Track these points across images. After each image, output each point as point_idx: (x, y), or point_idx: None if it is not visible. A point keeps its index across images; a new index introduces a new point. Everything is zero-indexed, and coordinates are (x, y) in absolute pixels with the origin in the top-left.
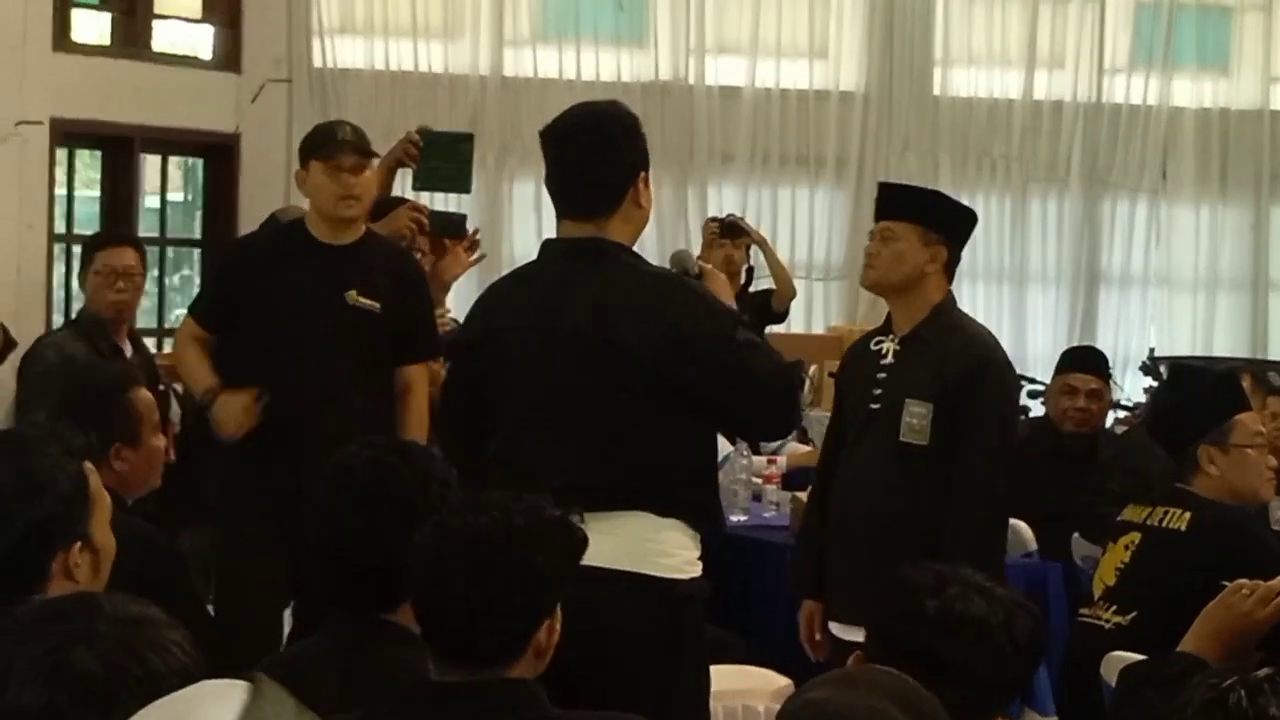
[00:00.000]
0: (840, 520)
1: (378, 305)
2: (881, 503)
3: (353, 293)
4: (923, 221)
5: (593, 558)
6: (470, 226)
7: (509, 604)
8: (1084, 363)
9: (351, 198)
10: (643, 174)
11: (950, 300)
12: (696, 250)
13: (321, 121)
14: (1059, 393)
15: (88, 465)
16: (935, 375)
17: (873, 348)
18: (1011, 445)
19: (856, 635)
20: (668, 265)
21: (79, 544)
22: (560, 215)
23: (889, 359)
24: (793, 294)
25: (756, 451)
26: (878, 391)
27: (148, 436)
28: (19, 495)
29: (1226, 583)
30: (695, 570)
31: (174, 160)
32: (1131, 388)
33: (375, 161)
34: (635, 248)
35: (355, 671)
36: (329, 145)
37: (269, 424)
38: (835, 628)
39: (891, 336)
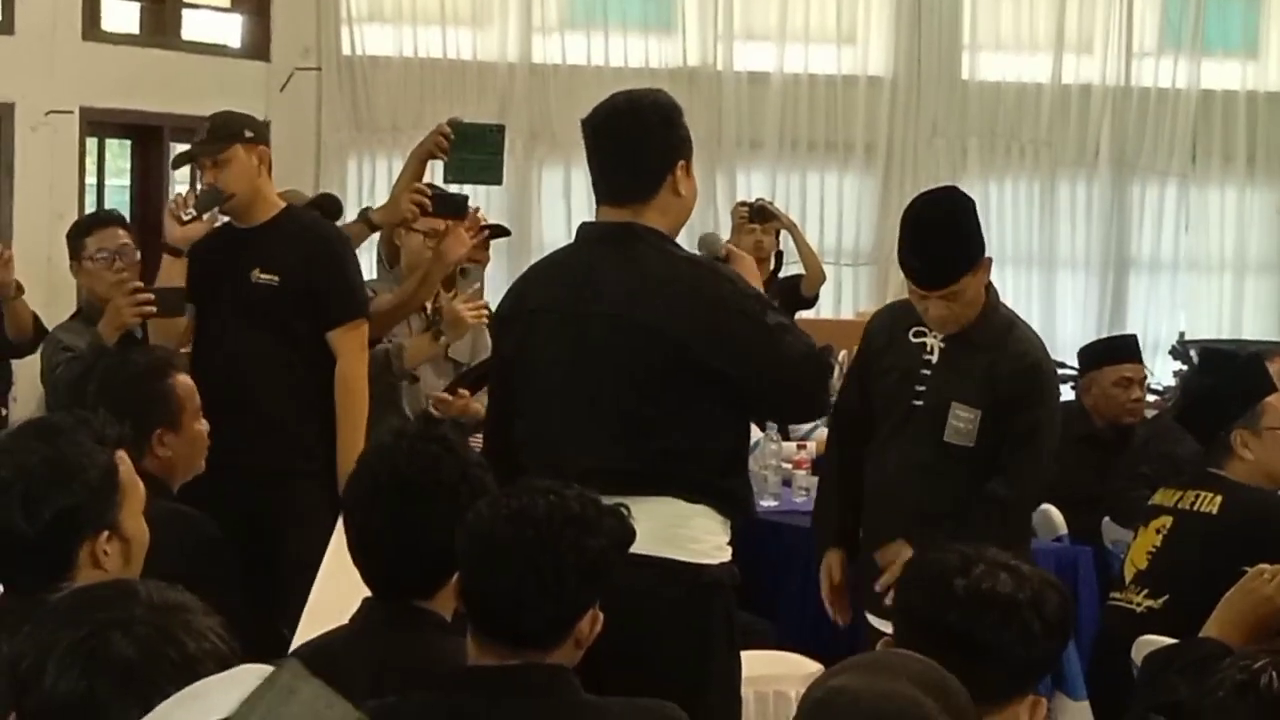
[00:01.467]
0: (878, 513)
1: (276, 278)
2: (924, 498)
3: (256, 270)
4: (973, 262)
5: None
6: (500, 215)
7: (560, 585)
8: (1132, 353)
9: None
10: (682, 163)
11: (995, 296)
12: (726, 235)
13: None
14: (1112, 386)
15: (120, 454)
16: (986, 380)
17: (913, 339)
18: (1053, 453)
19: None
20: (695, 249)
21: (107, 533)
22: (599, 201)
23: (933, 356)
24: (822, 279)
25: (786, 437)
26: (921, 388)
27: (189, 421)
28: (47, 483)
29: (1247, 568)
30: (725, 555)
31: None
32: (1162, 372)
33: (235, 147)
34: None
35: (388, 658)
36: (194, 150)
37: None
38: (873, 619)
39: (933, 332)
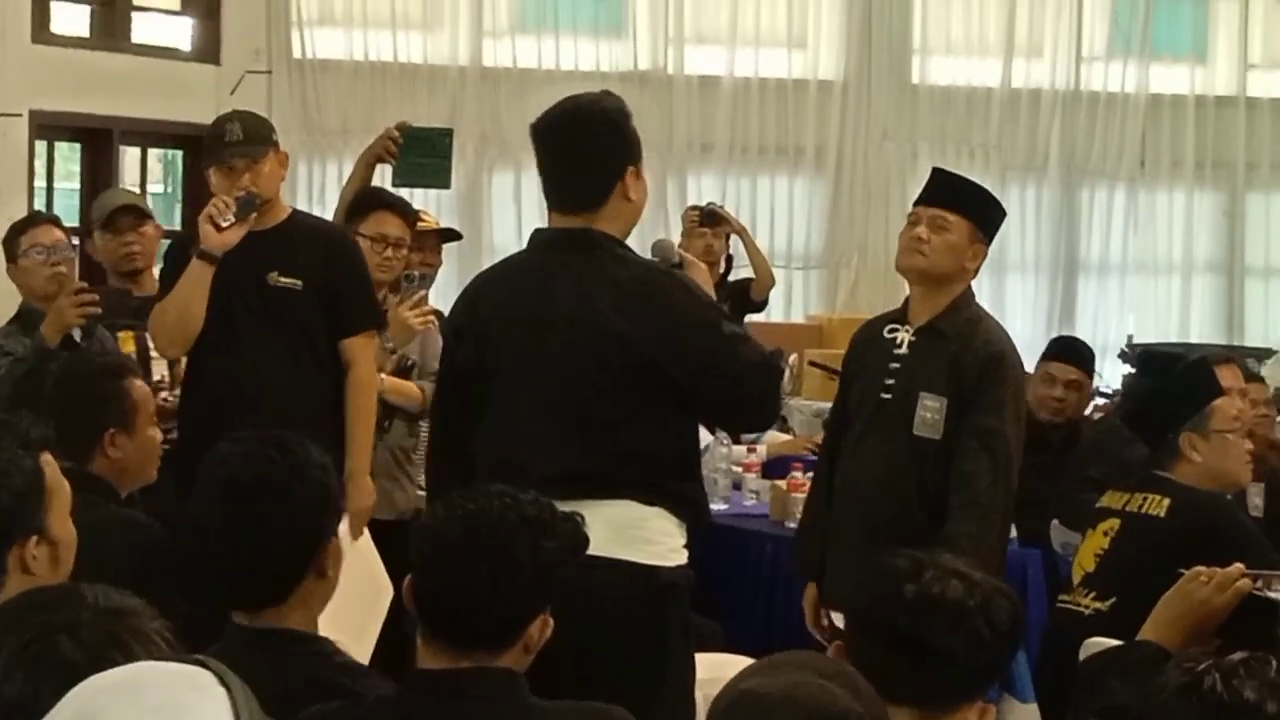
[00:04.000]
0: (845, 510)
1: (298, 283)
2: (890, 494)
3: (274, 274)
4: (976, 219)
5: None
6: (450, 219)
7: (513, 587)
8: (1066, 353)
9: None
10: (631, 167)
11: (969, 293)
12: (676, 239)
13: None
14: (1039, 381)
15: (46, 457)
16: (952, 370)
17: (886, 335)
18: (1020, 436)
19: None
20: (649, 254)
21: (35, 538)
22: (550, 208)
23: (903, 349)
24: (772, 283)
25: (737, 440)
26: (890, 381)
27: (143, 426)
28: None
29: (1184, 570)
30: (680, 558)
31: (154, 152)
32: (1110, 375)
33: (268, 151)
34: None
35: (253, 680)
36: (217, 150)
37: (215, 411)
38: (836, 617)
39: (906, 326)
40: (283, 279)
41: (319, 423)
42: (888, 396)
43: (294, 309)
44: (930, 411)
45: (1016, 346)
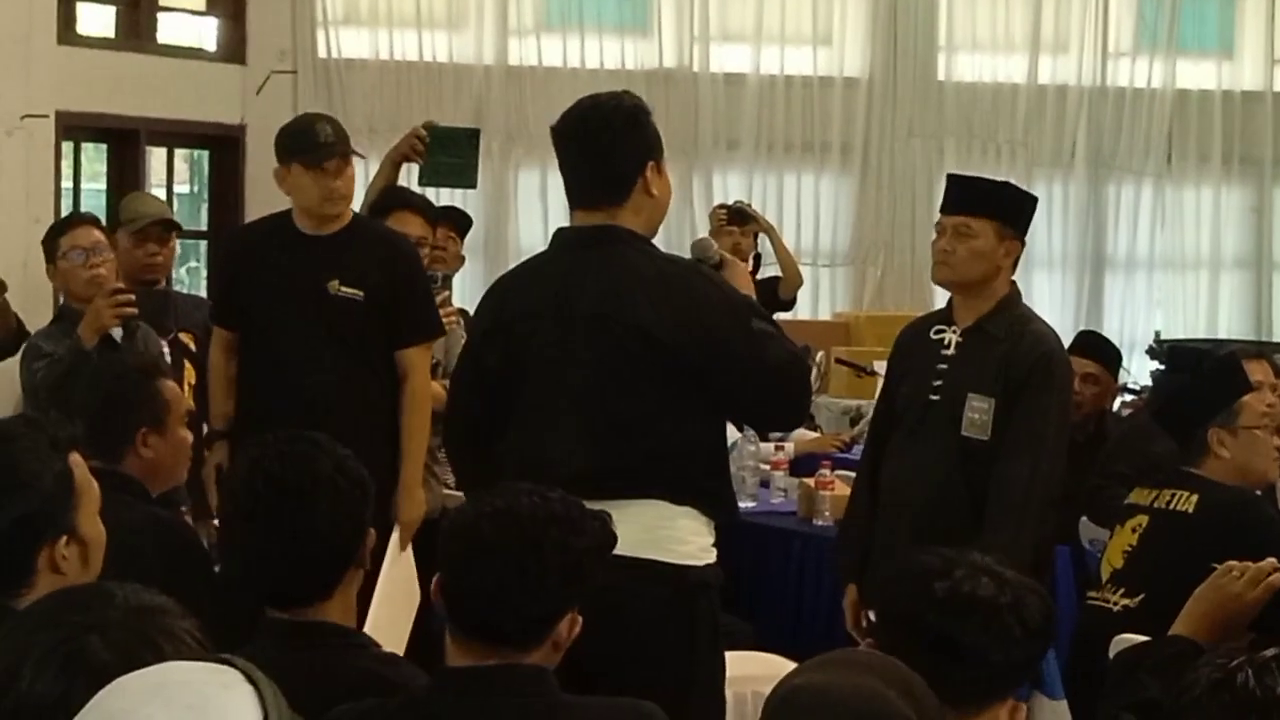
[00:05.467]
0: (891, 511)
1: (360, 293)
2: (937, 496)
3: (335, 282)
4: (1000, 216)
5: None
6: (476, 218)
7: (543, 585)
8: (1084, 347)
9: (337, 198)
10: (652, 163)
11: (1016, 292)
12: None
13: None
14: None
15: (74, 457)
16: (1000, 370)
17: (933, 336)
18: (1064, 441)
19: None
20: (686, 254)
21: (65, 538)
22: (573, 206)
23: (950, 350)
24: (799, 282)
25: (764, 438)
26: (937, 383)
27: (175, 426)
28: (1, 491)
29: (1217, 565)
30: (710, 557)
31: (180, 152)
32: (1138, 371)
33: (351, 156)
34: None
35: (293, 675)
36: (313, 150)
37: (266, 418)
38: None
39: (953, 327)
40: (344, 289)
41: (372, 430)
42: (936, 398)
43: (353, 319)
44: (978, 413)
45: (1062, 344)
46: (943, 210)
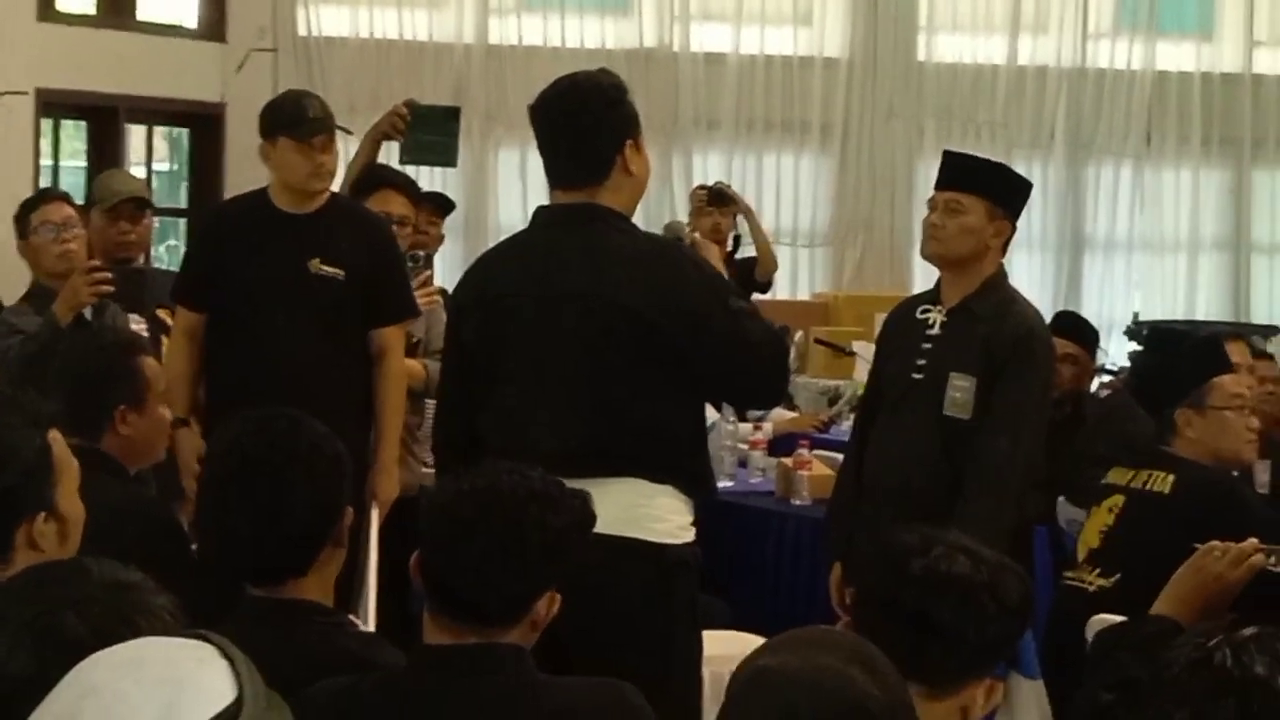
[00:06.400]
0: (873, 490)
1: (341, 273)
2: (919, 475)
3: (315, 261)
4: (991, 195)
5: None
6: (456, 197)
7: (522, 561)
8: (1062, 328)
9: (324, 174)
10: (630, 142)
11: (1002, 273)
12: (683, 217)
13: (307, 88)
14: None
15: (53, 434)
16: (983, 350)
17: (919, 316)
18: (1045, 419)
19: None
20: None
21: (44, 514)
22: (552, 185)
23: (935, 330)
24: (774, 267)
25: (743, 418)
26: (921, 362)
27: (153, 403)
28: None
29: (1199, 545)
30: (688, 535)
31: (159, 130)
32: (1116, 352)
33: (335, 133)
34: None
35: (270, 652)
36: (301, 124)
37: (244, 398)
38: None
39: (939, 307)
40: (325, 267)
41: (349, 410)
42: (919, 377)
43: (333, 297)
44: (960, 391)
45: (1045, 324)
46: (936, 186)
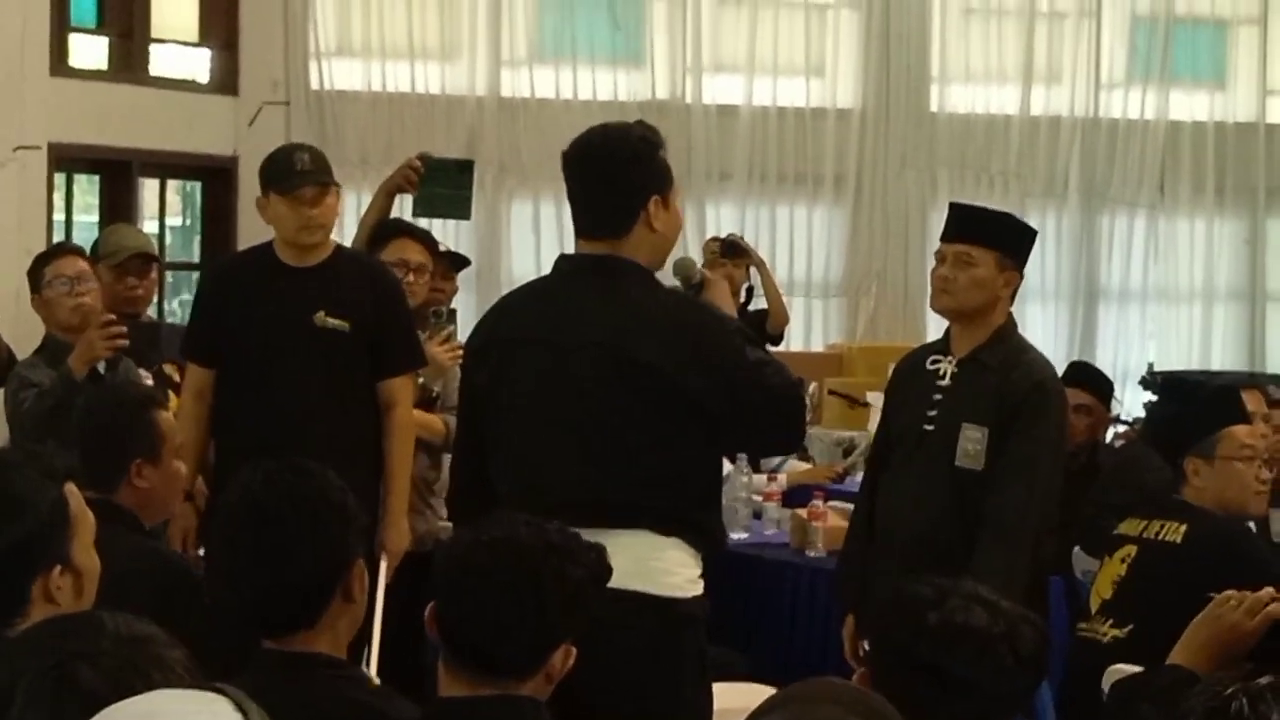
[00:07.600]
0: (887, 541)
1: (347, 325)
2: (931, 526)
3: (320, 314)
4: (1000, 247)
5: None
6: (469, 249)
7: (540, 614)
8: (1076, 378)
9: (314, 227)
10: (656, 197)
11: (1012, 323)
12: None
13: (320, 142)
14: None
15: (70, 487)
16: (995, 400)
17: (929, 366)
18: (1059, 469)
19: None
20: (671, 274)
21: (60, 567)
22: (577, 234)
23: (946, 380)
24: (786, 320)
25: (757, 469)
26: (932, 413)
27: (169, 457)
28: None
29: (1214, 595)
30: (697, 589)
31: (172, 184)
32: (1131, 403)
33: (332, 184)
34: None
35: (284, 705)
36: (288, 178)
37: (254, 452)
38: None
39: (949, 357)
40: (330, 320)
41: (358, 462)
42: (930, 428)
43: (340, 350)
44: (972, 443)
45: (1057, 375)
46: (944, 238)
